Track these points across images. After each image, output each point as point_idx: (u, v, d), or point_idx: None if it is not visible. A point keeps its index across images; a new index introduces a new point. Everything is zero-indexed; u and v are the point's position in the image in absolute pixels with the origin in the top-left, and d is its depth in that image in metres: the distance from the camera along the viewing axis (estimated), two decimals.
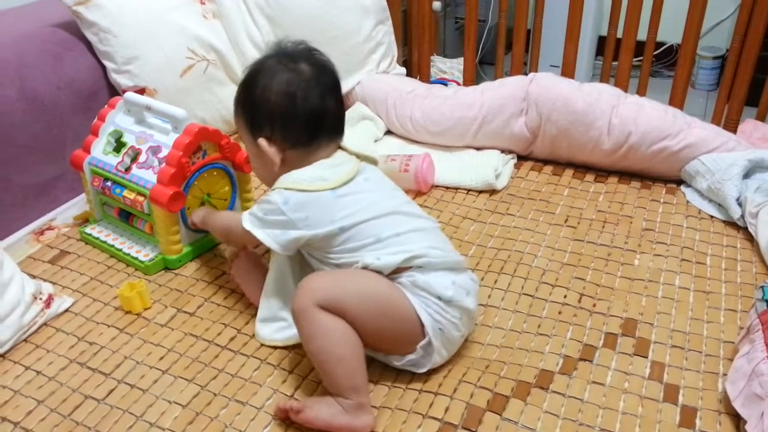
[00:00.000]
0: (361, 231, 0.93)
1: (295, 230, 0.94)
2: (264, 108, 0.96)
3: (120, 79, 1.41)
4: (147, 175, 1.13)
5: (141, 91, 1.25)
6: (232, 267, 1.09)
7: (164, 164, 1.12)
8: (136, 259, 1.17)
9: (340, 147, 1.01)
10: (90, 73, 1.41)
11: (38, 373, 0.97)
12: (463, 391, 0.91)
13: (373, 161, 1.04)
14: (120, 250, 1.19)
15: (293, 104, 0.95)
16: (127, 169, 1.16)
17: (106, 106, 1.23)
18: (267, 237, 0.95)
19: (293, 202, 0.93)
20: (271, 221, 0.94)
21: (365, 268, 0.91)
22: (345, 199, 0.94)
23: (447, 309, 0.91)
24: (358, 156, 1.01)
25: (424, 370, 0.93)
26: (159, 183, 1.11)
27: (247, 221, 0.97)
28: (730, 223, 1.26)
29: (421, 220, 0.98)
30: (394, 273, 0.92)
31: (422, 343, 0.90)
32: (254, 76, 0.98)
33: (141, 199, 1.13)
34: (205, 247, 1.21)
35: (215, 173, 1.18)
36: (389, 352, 0.93)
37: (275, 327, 1.00)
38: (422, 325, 0.90)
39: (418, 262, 0.91)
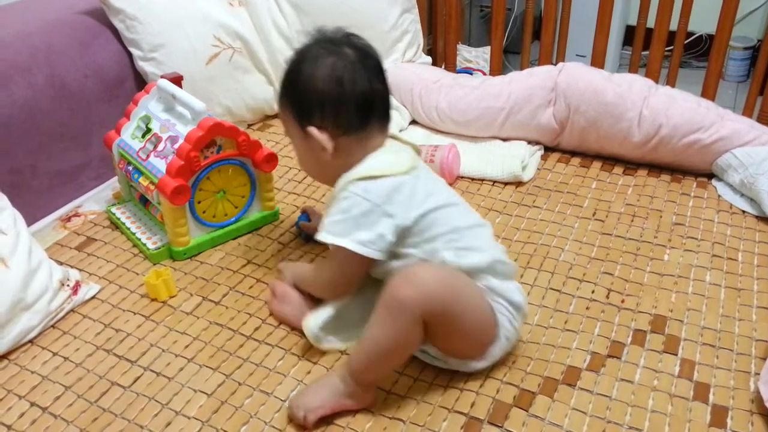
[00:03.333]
0: (438, 219, 0.90)
1: (386, 218, 0.88)
2: (312, 95, 0.92)
3: (146, 67, 1.41)
4: (160, 165, 1.13)
5: (178, 79, 1.24)
6: (271, 308, 1.04)
7: (174, 156, 1.11)
8: (145, 245, 1.17)
9: (390, 136, 0.98)
10: (117, 60, 1.41)
11: (65, 359, 0.97)
12: (489, 387, 0.90)
13: (417, 150, 1.01)
14: (134, 234, 1.20)
15: (342, 88, 0.91)
16: (147, 156, 1.16)
17: (142, 90, 1.24)
18: (355, 244, 0.88)
19: (374, 189, 0.89)
20: (355, 218, 0.88)
21: (441, 262, 0.89)
22: (419, 180, 0.92)
23: (516, 316, 0.91)
24: (406, 143, 1.00)
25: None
26: (167, 174, 1.10)
27: (326, 234, 0.90)
28: (763, 219, 1.23)
29: (475, 214, 0.97)
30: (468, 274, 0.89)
31: (492, 349, 0.90)
32: (298, 65, 0.94)
33: (152, 187, 1.13)
34: (215, 242, 1.20)
35: (231, 170, 1.16)
36: (457, 355, 0.91)
37: (331, 337, 0.98)
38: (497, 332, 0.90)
39: (499, 269, 0.91)
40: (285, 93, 0.96)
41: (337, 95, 0.91)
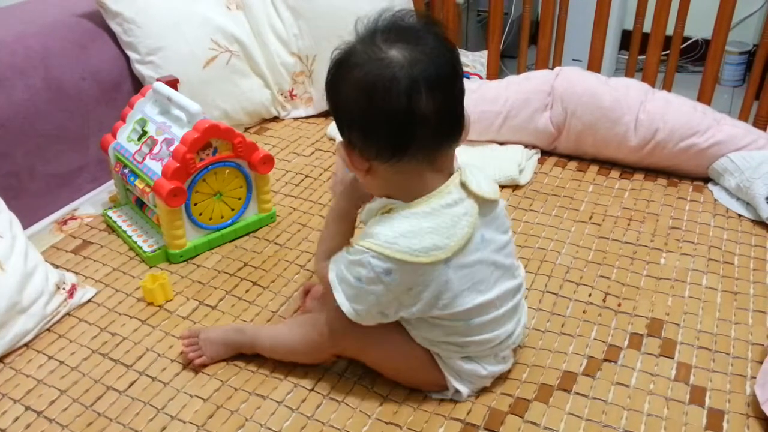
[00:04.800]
0: (453, 318, 0.82)
1: (398, 305, 0.80)
2: (343, 107, 0.78)
3: (143, 70, 1.41)
4: (156, 167, 1.13)
5: (173, 82, 1.24)
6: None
7: (170, 158, 1.11)
8: (141, 248, 1.17)
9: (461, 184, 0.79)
10: (114, 63, 1.41)
11: (61, 362, 0.97)
12: (486, 397, 0.90)
13: (493, 202, 0.82)
14: (130, 237, 1.20)
15: (369, 106, 0.74)
16: (143, 159, 1.16)
17: (138, 93, 1.24)
18: (353, 312, 0.80)
19: (400, 276, 0.77)
20: (366, 293, 0.79)
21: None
22: (456, 275, 0.78)
23: (479, 380, 0.89)
24: (477, 198, 0.79)
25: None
26: (162, 176, 1.10)
27: (337, 286, 0.81)
28: (759, 223, 1.24)
29: (517, 297, 0.87)
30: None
31: (447, 395, 0.90)
32: (338, 65, 0.77)
33: (148, 190, 1.13)
34: (212, 245, 1.19)
35: (227, 172, 1.16)
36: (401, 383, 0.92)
37: None
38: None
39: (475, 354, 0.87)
40: (326, 93, 0.80)
41: (365, 114, 0.75)
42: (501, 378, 0.92)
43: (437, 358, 0.87)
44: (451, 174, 0.80)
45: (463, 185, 0.79)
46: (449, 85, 0.75)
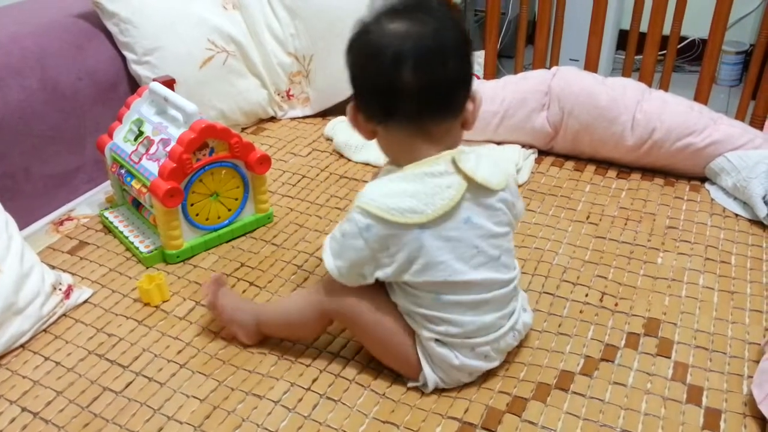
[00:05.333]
0: (423, 288, 0.84)
1: (373, 264, 0.83)
2: (350, 71, 0.84)
3: (140, 70, 1.41)
4: (153, 168, 1.13)
5: (170, 82, 1.24)
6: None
7: (167, 158, 1.11)
8: (137, 248, 1.17)
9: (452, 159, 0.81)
10: (110, 64, 1.41)
11: (57, 363, 0.97)
12: (483, 395, 0.90)
13: (490, 190, 0.83)
14: (127, 237, 1.19)
15: (362, 72, 0.82)
16: (140, 159, 1.16)
17: (134, 94, 1.24)
18: (335, 268, 0.85)
19: (376, 232, 0.81)
20: (346, 248, 0.83)
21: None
22: (432, 244, 0.81)
23: (452, 371, 0.89)
24: (467, 178, 0.81)
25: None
26: (159, 176, 1.10)
27: (327, 245, 0.87)
28: (756, 222, 1.24)
29: (501, 291, 0.86)
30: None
31: (419, 383, 0.90)
32: (353, 35, 0.83)
33: (144, 190, 1.13)
34: (209, 245, 1.19)
35: (224, 172, 1.16)
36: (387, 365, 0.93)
37: None
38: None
39: (447, 341, 0.87)
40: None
41: (360, 80, 0.83)
42: (498, 376, 0.92)
43: (417, 338, 0.88)
44: (449, 149, 0.83)
45: (454, 162, 0.81)
46: (439, 63, 0.78)
